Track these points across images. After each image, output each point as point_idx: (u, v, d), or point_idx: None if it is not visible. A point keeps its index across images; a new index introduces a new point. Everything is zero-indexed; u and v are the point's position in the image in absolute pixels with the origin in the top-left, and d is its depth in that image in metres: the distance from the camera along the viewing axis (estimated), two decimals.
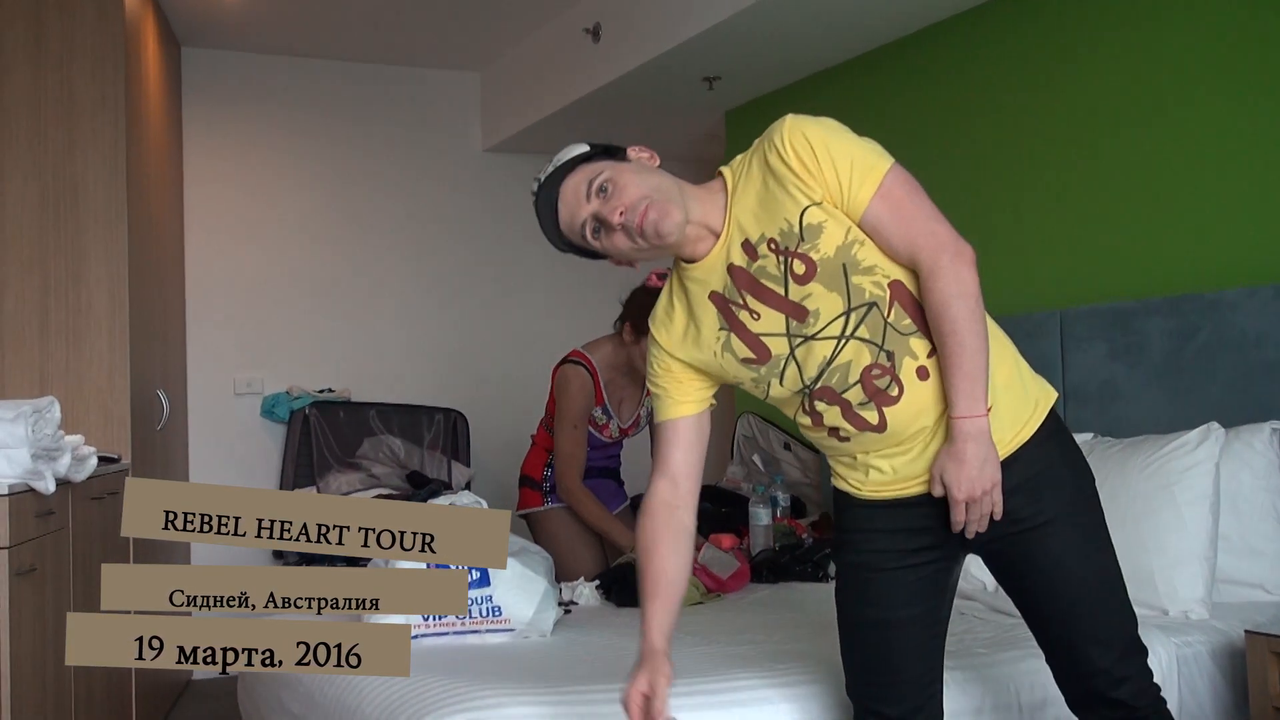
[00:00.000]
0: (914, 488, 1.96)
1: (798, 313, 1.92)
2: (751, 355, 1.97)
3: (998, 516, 1.89)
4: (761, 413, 5.18)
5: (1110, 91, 3.58)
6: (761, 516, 3.89)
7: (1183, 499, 2.88)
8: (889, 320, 1.90)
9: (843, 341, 1.91)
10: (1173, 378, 3.29)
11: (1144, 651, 2.01)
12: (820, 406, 1.97)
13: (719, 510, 4.38)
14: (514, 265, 6.12)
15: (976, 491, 1.86)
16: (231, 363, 5.55)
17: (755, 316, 1.95)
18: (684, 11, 4.31)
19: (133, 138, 4.10)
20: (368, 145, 5.86)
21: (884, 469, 1.97)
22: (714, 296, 1.99)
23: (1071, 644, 1.98)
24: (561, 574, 3.60)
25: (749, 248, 1.94)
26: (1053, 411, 2.00)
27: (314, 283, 5.72)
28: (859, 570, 2.03)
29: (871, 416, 1.93)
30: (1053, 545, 1.94)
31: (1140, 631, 2.61)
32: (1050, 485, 1.95)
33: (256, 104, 5.65)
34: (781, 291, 1.93)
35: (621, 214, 1.92)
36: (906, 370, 1.91)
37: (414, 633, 2.74)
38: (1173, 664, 2.61)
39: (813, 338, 1.93)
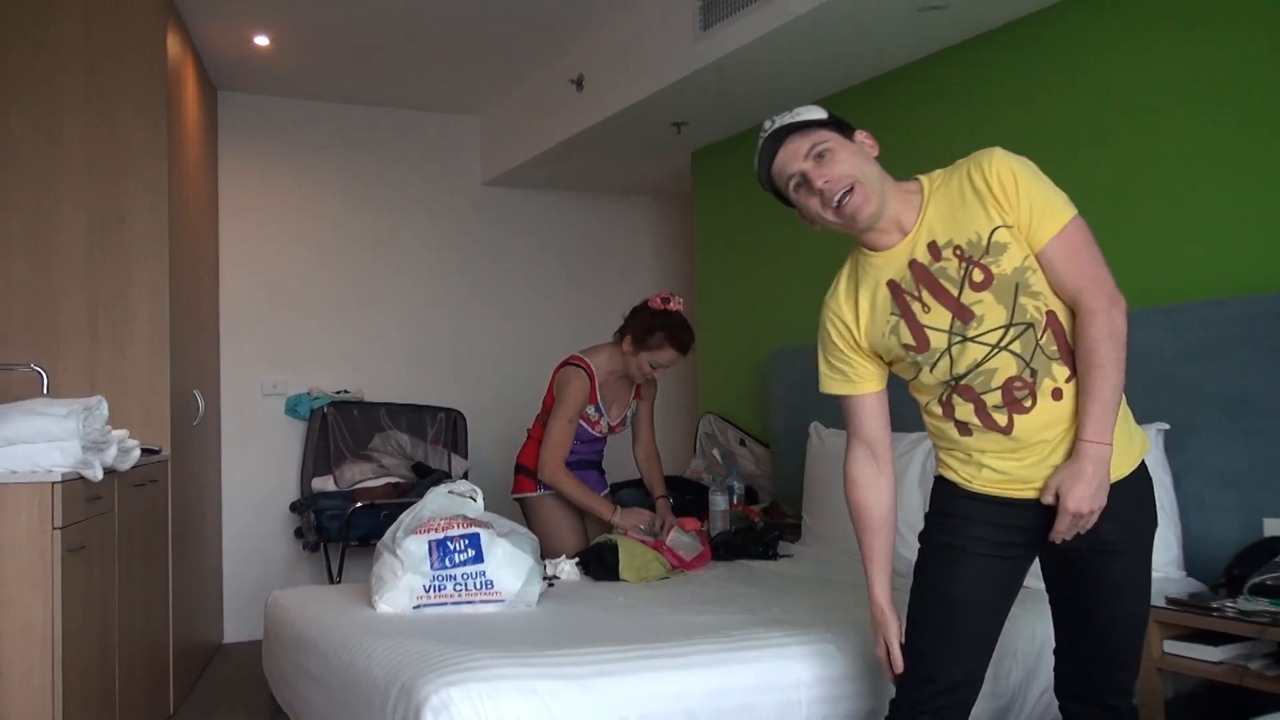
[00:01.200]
0: (1024, 491, 1.94)
1: (964, 314, 1.91)
2: (913, 342, 1.95)
3: (1084, 531, 1.90)
4: (721, 412, 5.20)
5: (1033, 132, 3.62)
6: (720, 503, 3.91)
7: None
8: (1040, 343, 1.90)
9: (996, 350, 1.90)
10: None
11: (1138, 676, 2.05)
12: (956, 400, 1.95)
13: (683, 498, 4.39)
14: (507, 284, 6.12)
15: (1085, 508, 1.85)
16: (259, 367, 5.53)
17: (926, 310, 1.94)
18: (655, 66, 4.33)
19: (174, 170, 4.08)
20: (381, 178, 5.84)
21: (997, 469, 1.95)
22: (890, 284, 1.97)
23: (1101, 656, 1.98)
24: (547, 552, 3.60)
25: (934, 249, 1.94)
26: (1145, 460, 2.01)
27: (332, 298, 5.70)
28: (952, 551, 1.99)
29: (1002, 419, 1.92)
30: (1120, 571, 1.95)
31: (1042, 603, 2.65)
32: (1135, 519, 1.96)
33: (283, 141, 5.63)
34: (955, 293, 1.92)
35: (826, 182, 1.92)
36: (1044, 389, 1.90)
37: (415, 603, 2.74)
38: None
39: (971, 340, 1.91)
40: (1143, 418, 3.04)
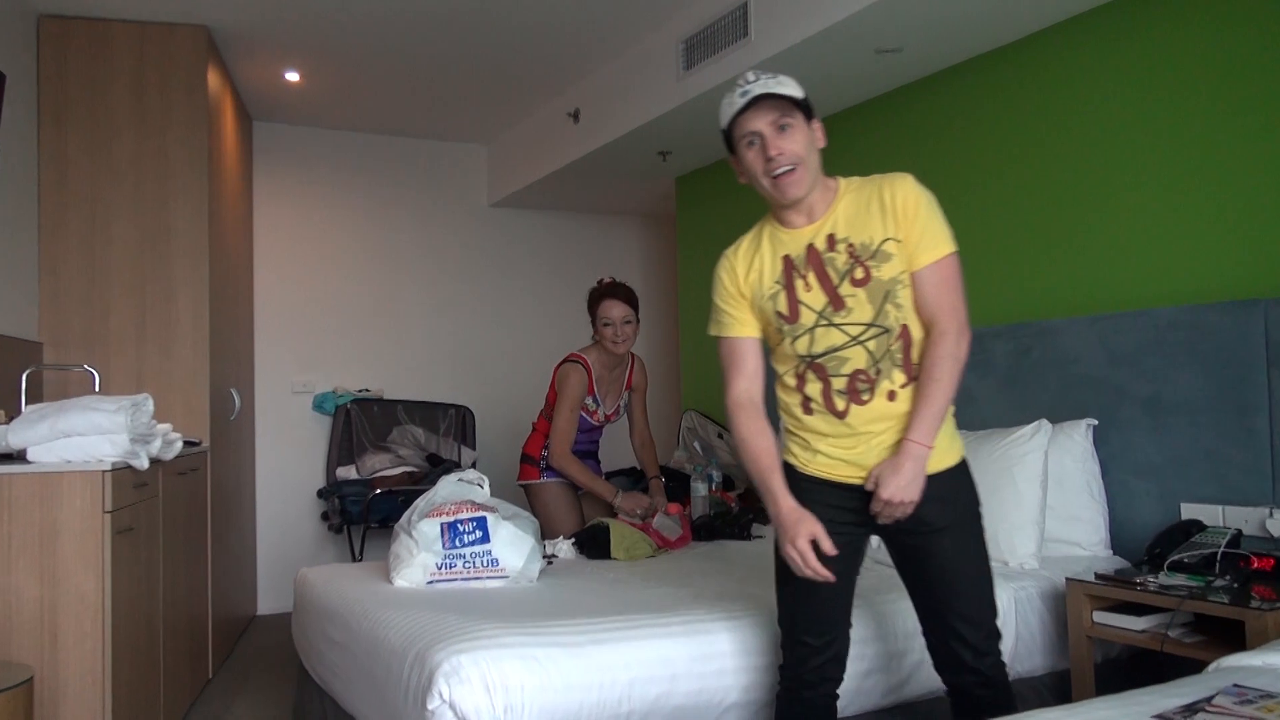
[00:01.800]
0: (852, 477, 1.97)
1: (837, 302, 1.94)
2: (786, 312, 1.97)
3: (902, 517, 1.94)
4: (702, 409, 5.20)
5: (969, 156, 3.63)
6: (700, 490, 3.91)
7: (1020, 478, 2.92)
8: (890, 348, 1.94)
9: (853, 343, 1.94)
10: (1012, 386, 3.33)
11: (999, 637, 2.03)
12: (809, 376, 1.97)
13: (668, 485, 4.39)
14: (511, 295, 6.11)
15: (897, 498, 1.90)
16: (289, 368, 5.50)
17: (807, 289, 1.96)
18: (643, 101, 4.33)
19: (213, 191, 4.07)
20: (398, 200, 5.83)
21: (829, 454, 1.98)
22: (786, 258, 1.99)
23: (949, 620, 2.00)
24: (548, 534, 3.60)
25: (831, 240, 1.96)
26: (964, 458, 2.05)
27: (354, 307, 5.68)
28: None
29: (840, 404, 1.95)
30: (951, 547, 1.98)
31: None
32: (954, 503, 1.99)
33: (311, 166, 5.61)
34: (836, 282, 1.94)
35: (779, 154, 1.92)
36: (882, 388, 1.94)
37: (429, 579, 2.73)
38: (1011, 604, 2.63)
39: (835, 325, 1.94)
40: (1073, 414, 3.08)
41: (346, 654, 2.57)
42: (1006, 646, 2.60)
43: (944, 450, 1.99)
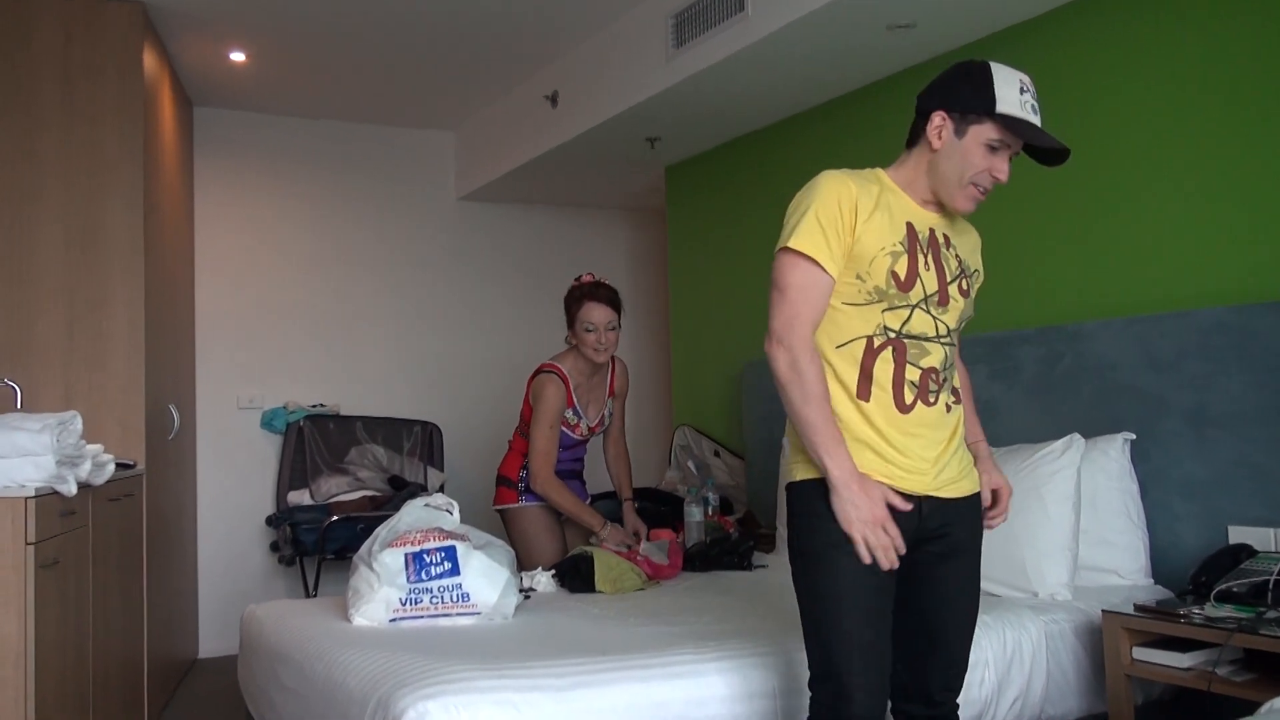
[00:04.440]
0: (913, 488, 1.96)
1: (943, 297, 1.99)
2: (903, 278, 1.95)
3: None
4: (696, 425, 5.20)
5: None
6: (695, 514, 3.90)
7: (1050, 499, 2.92)
8: (953, 363, 2.05)
9: (938, 340, 1.99)
10: (1041, 396, 3.33)
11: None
12: (885, 354, 1.95)
13: (658, 509, 4.38)
14: (483, 298, 6.11)
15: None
16: (235, 381, 5.48)
17: (926, 267, 1.98)
18: (629, 81, 4.34)
19: (150, 185, 4.05)
20: (356, 194, 5.82)
21: (889, 458, 1.94)
22: (910, 225, 1.99)
23: (937, 656, 2.04)
24: (526, 564, 3.59)
25: (947, 240, 2.03)
26: None
27: (308, 312, 5.66)
28: (844, 550, 1.92)
29: (909, 397, 1.96)
30: (964, 572, 2.06)
31: (1014, 612, 2.66)
32: (975, 529, 2.08)
33: (259, 157, 5.59)
34: (949, 278, 2.00)
35: (1006, 176, 1.99)
36: (945, 396, 2.00)
37: (392, 616, 2.72)
38: (1041, 639, 2.64)
39: (933, 316, 1.98)
40: (1108, 427, 3.09)
41: (300, 701, 2.55)
42: (1036, 687, 2.61)
43: (972, 473, 2.07)
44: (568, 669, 2.22)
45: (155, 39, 4.28)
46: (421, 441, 5.57)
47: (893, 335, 1.95)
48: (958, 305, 2.01)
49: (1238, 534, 2.80)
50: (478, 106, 5.58)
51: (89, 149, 3.85)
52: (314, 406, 5.53)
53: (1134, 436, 3.05)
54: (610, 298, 3.65)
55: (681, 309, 5.43)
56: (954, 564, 2.02)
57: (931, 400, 1.97)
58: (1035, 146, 1.96)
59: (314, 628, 2.75)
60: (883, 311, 1.95)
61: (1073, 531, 2.91)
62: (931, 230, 2.01)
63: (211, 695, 4.45)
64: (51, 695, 2.74)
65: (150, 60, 4.12)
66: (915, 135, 2.04)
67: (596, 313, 3.61)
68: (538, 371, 3.73)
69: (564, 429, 3.70)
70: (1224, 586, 2.54)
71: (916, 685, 2.04)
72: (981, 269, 2.12)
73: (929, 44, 3.74)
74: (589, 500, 3.95)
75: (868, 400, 1.95)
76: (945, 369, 2.00)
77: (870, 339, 1.95)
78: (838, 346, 1.96)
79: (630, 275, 6.53)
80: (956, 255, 2.03)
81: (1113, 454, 3.03)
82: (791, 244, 1.91)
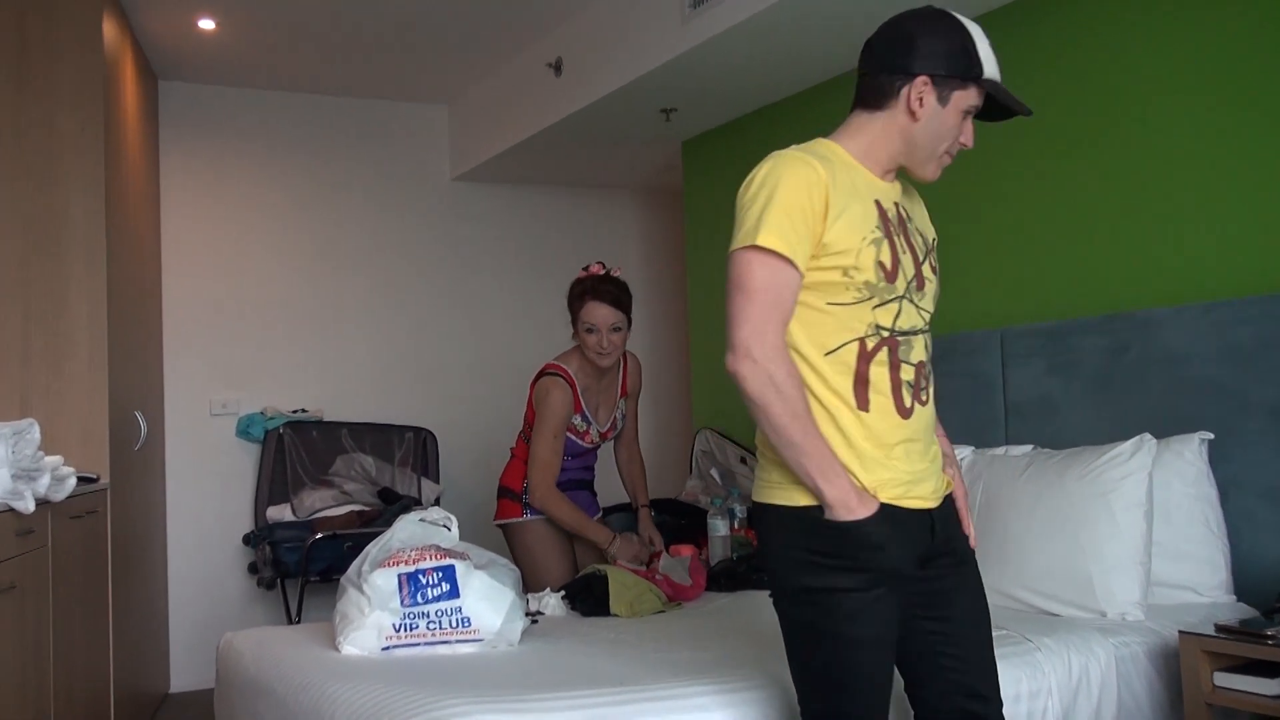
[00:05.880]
0: (928, 498, 1.98)
1: (920, 280, 1.99)
2: (889, 266, 1.92)
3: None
4: (719, 427, 5.19)
5: (1048, 120, 3.62)
6: (719, 528, 3.89)
7: (1118, 507, 2.90)
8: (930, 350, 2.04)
9: (922, 333, 2.00)
10: (1106, 392, 3.31)
11: None
12: (880, 355, 1.93)
13: (678, 522, 4.37)
14: (481, 290, 6.11)
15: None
16: (207, 384, 5.50)
17: (902, 250, 1.97)
18: (642, 46, 4.32)
19: (112, 169, 4.06)
20: (340, 175, 5.83)
21: (892, 468, 1.93)
22: (879, 204, 1.97)
23: (970, 669, 2.02)
24: (533, 585, 3.59)
25: (906, 213, 2.03)
26: None
27: (288, 307, 5.68)
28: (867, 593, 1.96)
29: (908, 399, 1.95)
30: (975, 579, 2.07)
31: (1079, 634, 2.64)
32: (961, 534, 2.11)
33: (232, 136, 5.61)
34: (920, 257, 2.00)
35: (969, 142, 2.02)
36: (932, 390, 2.01)
37: (385, 644, 2.71)
38: (1111, 664, 2.62)
39: (915, 304, 1.98)
40: (1183, 427, 3.07)
41: None
42: (1105, 718, 2.59)
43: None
44: (580, 701, 2.22)
45: (115, 7, 4.29)
46: (414, 449, 5.57)
47: (885, 334, 1.93)
48: (932, 285, 2.02)
49: None
50: (473, 76, 5.58)
51: (44, 129, 3.86)
52: (295, 412, 5.54)
53: (1212, 436, 3.03)
54: (615, 296, 3.61)
55: (701, 298, 5.42)
56: (966, 570, 2.04)
57: (924, 400, 1.98)
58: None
59: (298, 658, 2.74)
60: (873, 308, 1.92)
61: (1144, 543, 2.89)
62: (896, 205, 2.01)
63: None
64: None
65: (111, 30, 4.13)
66: (879, 97, 1.97)
67: (598, 312, 3.59)
68: (541, 373, 3.72)
69: (572, 437, 3.69)
70: None
71: (968, 713, 2.02)
72: (935, 234, 2.11)
73: (970, 2, 3.71)
74: (600, 513, 3.94)
75: (868, 410, 1.92)
76: (928, 360, 2.01)
77: (863, 340, 1.92)
78: (827, 354, 1.91)
79: (644, 262, 6.52)
80: (917, 228, 2.04)
81: (1188, 456, 3.01)
82: (760, 241, 1.84)
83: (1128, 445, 2.99)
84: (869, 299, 1.91)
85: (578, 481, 3.82)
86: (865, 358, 1.92)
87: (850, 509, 1.84)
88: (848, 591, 1.87)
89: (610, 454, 3.99)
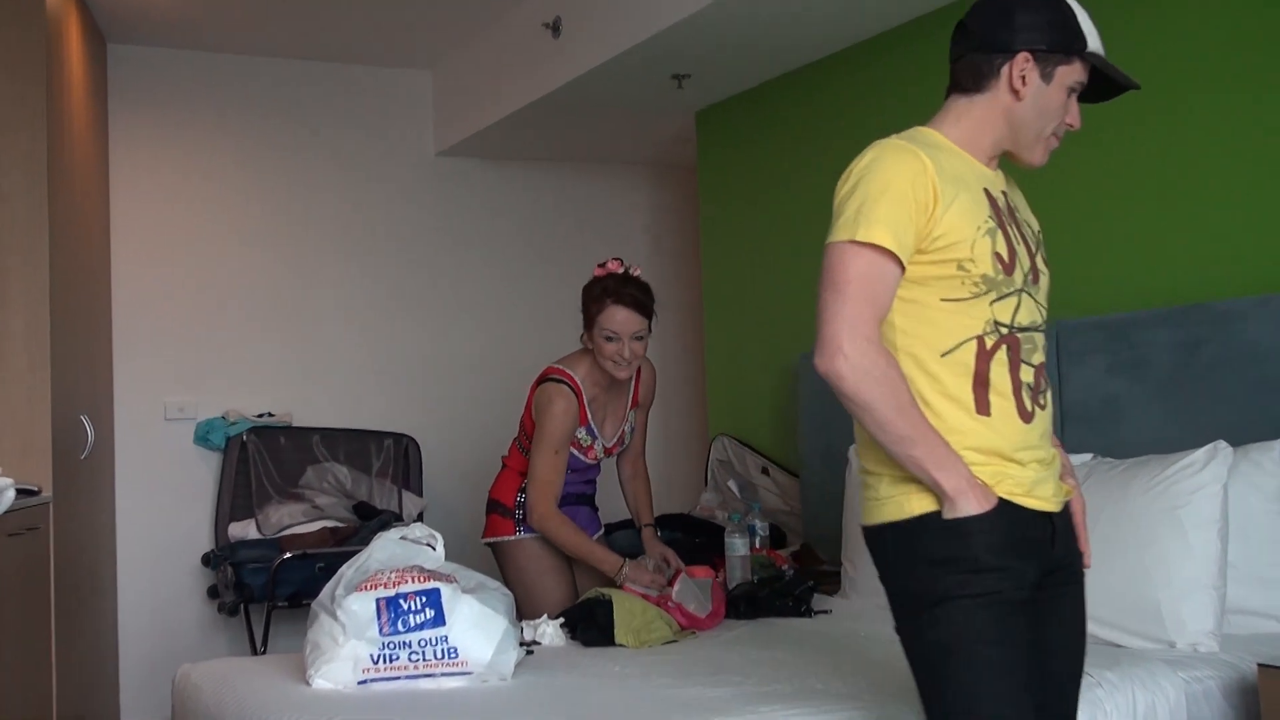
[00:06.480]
0: (1054, 501, 2.05)
1: (1035, 272, 2.05)
2: (1007, 258, 1.98)
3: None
4: (737, 435, 5.19)
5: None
6: (738, 547, 3.88)
7: (1189, 523, 2.90)
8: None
9: (1043, 328, 2.06)
10: (1178, 393, 3.30)
11: None
12: (1000, 354, 1.98)
13: (692, 540, 4.37)
14: (470, 278, 6.12)
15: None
16: (162, 386, 5.50)
17: (1017, 240, 2.02)
18: (652, 3, 4.32)
19: (55, 143, 4.06)
20: (311, 149, 5.83)
21: (1023, 471, 2.00)
22: (987, 192, 2.03)
23: (1066, 697, 2.09)
24: (528, 611, 3.59)
25: (1014, 205, 2.10)
26: None
27: (252, 299, 5.68)
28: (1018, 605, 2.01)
29: (1029, 403, 2.00)
30: (1080, 597, 2.13)
31: (1146, 667, 2.64)
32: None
33: (190, 105, 5.61)
34: (1032, 248, 2.07)
35: (1078, 122, 2.09)
36: (1050, 397, 2.06)
37: (362, 677, 2.72)
38: (1181, 701, 2.61)
39: (1034, 299, 2.04)
40: (1263, 433, 3.07)
41: None
42: None
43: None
44: None
45: None
46: (394, 459, 5.58)
47: (1005, 330, 1.99)
48: (1045, 279, 2.08)
49: None
50: (460, 38, 5.59)
51: None
52: (260, 416, 5.56)
53: None
54: (639, 300, 3.58)
55: (717, 287, 5.43)
56: (1074, 591, 2.08)
57: (1043, 404, 2.03)
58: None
59: (264, 692, 2.75)
60: (991, 303, 1.97)
61: (1219, 565, 2.88)
62: (1004, 194, 2.07)
63: None
64: None
65: None
66: (977, 79, 2.04)
67: (620, 318, 3.56)
68: (543, 377, 3.71)
69: (574, 452, 3.68)
70: None
71: None
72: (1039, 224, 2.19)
73: None
74: (600, 531, 3.94)
75: (989, 414, 1.97)
76: (1046, 362, 2.08)
77: (981, 339, 1.97)
78: (943, 355, 1.97)
79: (653, 246, 6.52)
80: (1024, 219, 2.11)
81: (1268, 466, 3.01)
82: (860, 235, 1.90)
83: (1200, 454, 2.98)
84: (986, 293, 1.96)
85: (578, 496, 3.82)
86: (984, 357, 1.98)
87: (970, 500, 1.88)
88: (976, 597, 1.90)
89: (613, 465, 3.99)
